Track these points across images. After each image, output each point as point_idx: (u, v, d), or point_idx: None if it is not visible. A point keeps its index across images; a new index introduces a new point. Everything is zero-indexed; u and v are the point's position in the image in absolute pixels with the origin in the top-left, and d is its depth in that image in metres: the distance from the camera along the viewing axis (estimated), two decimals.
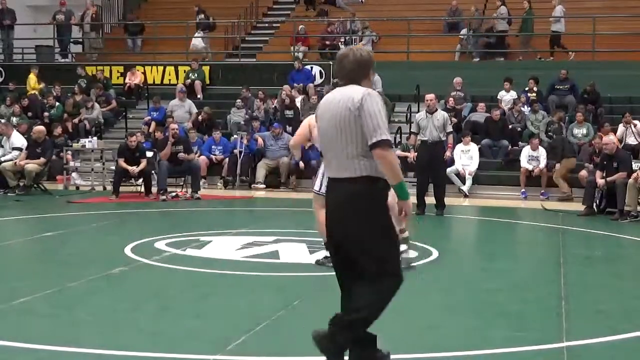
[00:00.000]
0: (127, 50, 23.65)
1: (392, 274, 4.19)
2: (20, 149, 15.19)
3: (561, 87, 18.36)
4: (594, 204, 12.82)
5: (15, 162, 14.86)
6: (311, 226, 9.55)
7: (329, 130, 4.21)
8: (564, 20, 20.61)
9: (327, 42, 22.03)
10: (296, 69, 20.07)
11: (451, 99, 17.66)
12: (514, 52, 21.49)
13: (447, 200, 12.53)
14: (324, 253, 7.81)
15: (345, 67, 4.26)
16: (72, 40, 24.14)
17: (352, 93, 4.17)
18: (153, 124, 18.24)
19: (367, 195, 4.14)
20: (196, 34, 22.68)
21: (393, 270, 4.20)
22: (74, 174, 16.85)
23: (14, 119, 18.19)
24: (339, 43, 22.21)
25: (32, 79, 20.99)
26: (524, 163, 15.60)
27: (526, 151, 15.74)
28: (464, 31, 21.63)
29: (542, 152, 15.63)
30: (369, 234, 4.13)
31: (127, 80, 21.10)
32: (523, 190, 15.46)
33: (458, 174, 15.63)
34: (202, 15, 22.90)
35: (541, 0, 21.50)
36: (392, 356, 4.46)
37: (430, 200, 12.30)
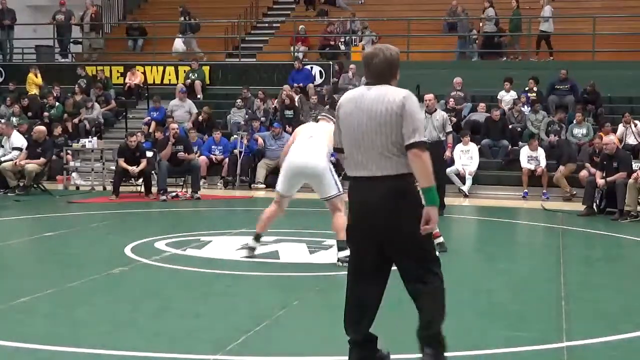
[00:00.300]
0: (127, 50, 23.64)
1: (436, 270, 4.25)
2: (20, 149, 15.19)
3: (561, 87, 18.35)
4: (594, 204, 12.83)
5: (15, 162, 14.86)
6: (311, 226, 9.59)
7: (363, 128, 4.16)
8: (552, 20, 20.68)
9: (332, 42, 22.02)
10: (296, 69, 20.05)
11: (451, 99, 17.66)
12: (510, 52, 21.48)
13: (447, 200, 12.53)
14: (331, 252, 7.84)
15: (376, 67, 4.24)
16: (72, 40, 24.13)
17: (390, 93, 4.18)
18: (153, 124, 18.24)
19: (409, 192, 4.15)
20: (178, 36, 22.78)
21: (436, 265, 4.27)
22: (74, 174, 16.85)
23: (14, 119, 18.18)
24: (339, 43, 22.25)
25: (32, 77, 20.97)
26: (524, 163, 15.60)
27: (525, 151, 15.73)
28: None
29: (541, 152, 15.63)
30: (413, 231, 4.11)
31: (127, 80, 21.09)
32: (525, 190, 15.45)
33: (458, 174, 15.62)
34: (184, 17, 22.95)
35: (531, 0, 21.53)
36: (392, 356, 4.46)
37: None
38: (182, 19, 22.82)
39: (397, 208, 4.11)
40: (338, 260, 7.80)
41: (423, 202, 4.12)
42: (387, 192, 4.13)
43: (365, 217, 4.19)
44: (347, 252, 7.66)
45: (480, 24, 21.56)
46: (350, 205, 4.32)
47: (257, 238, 8.32)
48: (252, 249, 8.30)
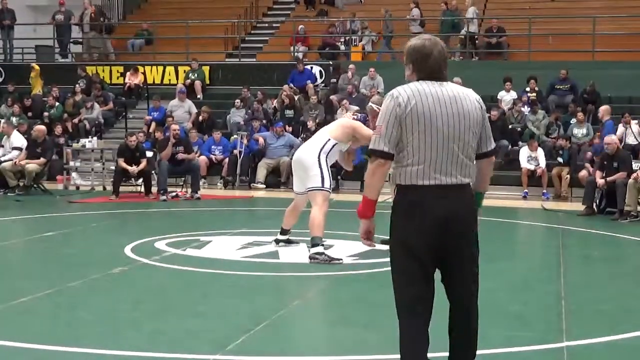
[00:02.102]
0: (127, 50, 23.65)
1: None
2: (20, 149, 15.18)
3: (561, 87, 18.36)
4: (594, 204, 12.83)
5: (15, 162, 14.85)
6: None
7: (455, 129, 3.68)
8: (477, 21, 21.14)
9: (334, 41, 22.10)
10: (299, 70, 19.96)
11: None
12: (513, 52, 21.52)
13: None
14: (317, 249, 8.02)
15: (433, 61, 3.75)
16: (72, 40, 24.14)
17: (466, 91, 3.79)
18: (153, 124, 18.25)
19: (475, 204, 3.86)
20: (92, 35, 23.29)
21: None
22: (74, 174, 16.84)
23: (14, 119, 18.17)
24: (339, 43, 22.25)
25: (34, 74, 20.92)
26: (524, 163, 15.59)
27: (525, 152, 15.73)
28: (463, 31, 21.62)
29: (540, 153, 15.62)
30: (476, 245, 3.87)
31: (127, 80, 21.09)
32: (526, 190, 15.46)
33: None
34: (97, 18, 23.28)
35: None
36: (391, 356, 4.46)
37: None
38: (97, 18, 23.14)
39: (473, 220, 3.81)
40: (310, 258, 7.97)
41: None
42: (470, 202, 3.77)
43: (447, 230, 3.69)
44: (320, 249, 7.97)
45: (408, 25, 21.80)
46: (417, 218, 3.69)
47: (282, 232, 8.83)
48: (288, 240, 8.84)
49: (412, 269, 3.73)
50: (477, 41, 21.49)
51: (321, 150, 8.19)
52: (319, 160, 8.14)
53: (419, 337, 3.78)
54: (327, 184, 8.15)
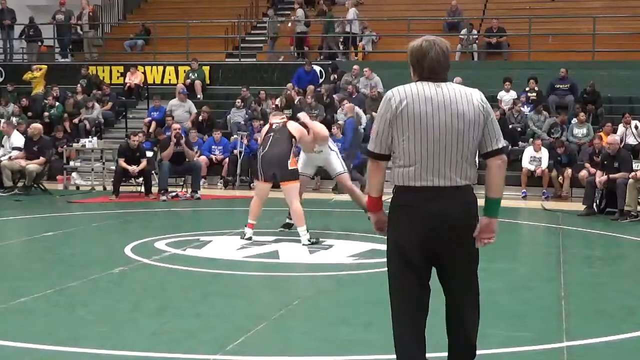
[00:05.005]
0: (127, 50, 23.65)
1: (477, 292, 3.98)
2: (20, 149, 15.18)
3: (561, 86, 18.35)
4: (594, 204, 12.83)
5: (10, 157, 14.82)
6: (310, 226, 9.58)
7: (448, 130, 3.63)
8: (357, 22, 21.68)
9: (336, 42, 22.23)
10: (306, 71, 19.91)
11: None
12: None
13: None
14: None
15: (434, 61, 3.70)
16: (72, 40, 24.13)
17: (468, 90, 3.73)
18: (153, 124, 18.25)
19: (476, 207, 3.76)
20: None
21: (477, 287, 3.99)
22: (74, 174, 16.84)
23: (14, 119, 18.17)
24: (339, 43, 22.26)
25: (40, 74, 20.92)
26: (526, 164, 15.56)
27: (529, 152, 15.70)
28: (464, 31, 21.62)
29: (544, 153, 15.60)
30: (476, 249, 3.85)
31: (127, 80, 21.09)
32: (524, 190, 15.46)
33: None
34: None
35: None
36: (391, 356, 4.45)
37: None
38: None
39: (468, 223, 3.73)
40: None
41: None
42: (468, 204, 3.71)
43: (440, 231, 3.66)
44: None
45: (289, 24, 22.20)
46: (410, 219, 3.68)
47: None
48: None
49: (405, 272, 3.76)
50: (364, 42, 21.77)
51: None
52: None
53: (414, 339, 3.80)
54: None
